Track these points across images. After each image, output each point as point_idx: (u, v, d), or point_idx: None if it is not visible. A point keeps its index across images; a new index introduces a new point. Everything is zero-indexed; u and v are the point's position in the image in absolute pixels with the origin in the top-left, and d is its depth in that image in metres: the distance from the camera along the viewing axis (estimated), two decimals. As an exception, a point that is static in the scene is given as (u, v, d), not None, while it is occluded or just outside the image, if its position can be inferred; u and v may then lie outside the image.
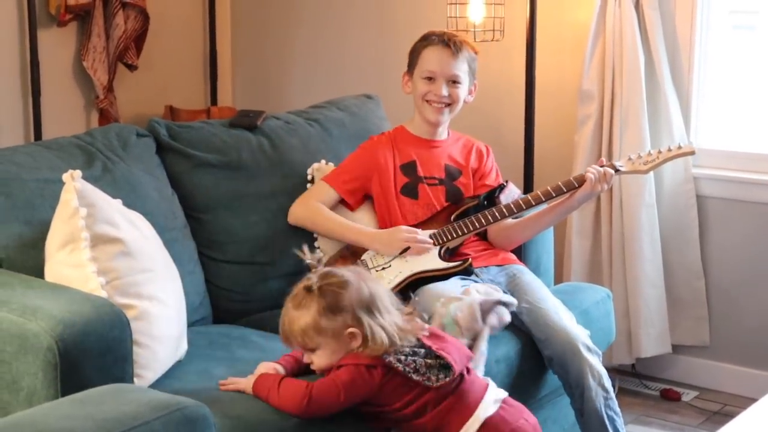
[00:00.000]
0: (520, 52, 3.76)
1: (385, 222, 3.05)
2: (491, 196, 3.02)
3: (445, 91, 3.04)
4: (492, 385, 2.46)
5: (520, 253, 3.17)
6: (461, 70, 3.06)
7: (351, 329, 2.31)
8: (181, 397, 1.84)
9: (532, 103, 3.74)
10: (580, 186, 2.98)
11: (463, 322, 2.60)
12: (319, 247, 3.05)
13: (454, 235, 2.95)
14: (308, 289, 2.34)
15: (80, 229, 2.36)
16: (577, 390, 2.75)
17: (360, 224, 3.06)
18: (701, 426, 3.56)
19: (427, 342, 2.37)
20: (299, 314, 2.34)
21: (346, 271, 2.38)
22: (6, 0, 3.98)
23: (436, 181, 3.08)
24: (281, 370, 2.41)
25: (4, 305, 2.18)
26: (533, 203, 2.98)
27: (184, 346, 2.57)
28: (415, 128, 3.14)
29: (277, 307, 3.06)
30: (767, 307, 3.68)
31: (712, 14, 3.70)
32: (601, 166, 2.99)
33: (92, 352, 2.11)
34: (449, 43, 3.04)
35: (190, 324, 2.77)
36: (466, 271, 2.89)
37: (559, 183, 2.99)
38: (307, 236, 3.11)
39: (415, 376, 2.31)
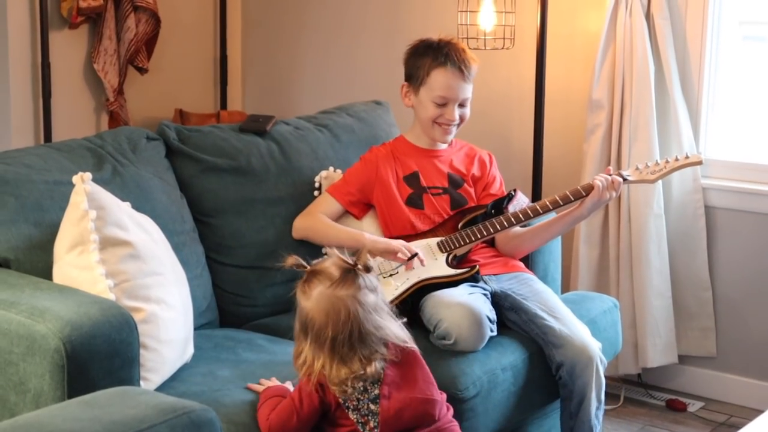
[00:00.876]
0: (530, 60, 3.76)
1: (389, 231, 3.06)
2: (499, 205, 3.01)
3: (456, 115, 3.04)
4: None
5: (528, 261, 3.17)
6: (470, 91, 3.06)
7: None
8: (188, 401, 1.84)
9: (542, 111, 3.74)
10: (587, 194, 2.98)
11: None
12: (326, 253, 3.05)
13: (461, 243, 2.95)
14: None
15: (89, 231, 2.36)
16: (577, 397, 2.78)
17: (363, 231, 3.06)
18: (707, 437, 3.56)
19: (385, 387, 2.26)
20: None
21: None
22: (18, 2, 3.99)
23: (440, 191, 3.07)
24: (291, 387, 2.38)
25: (13, 306, 2.19)
26: (541, 212, 2.98)
27: (190, 350, 2.57)
28: (415, 138, 3.14)
29: (283, 312, 3.08)
30: (774, 319, 3.68)
31: (723, 25, 3.70)
32: (609, 175, 2.99)
33: (99, 355, 2.11)
34: (462, 66, 3.00)
35: (197, 327, 2.78)
36: (474, 278, 2.90)
37: (567, 192, 2.99)
38: (314, 244, 3.11)
39: (352, 415, 2.25)
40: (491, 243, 3.11)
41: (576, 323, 2.86)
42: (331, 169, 3.22)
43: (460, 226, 3.00)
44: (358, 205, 3.09)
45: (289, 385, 2.40)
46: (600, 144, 3.73)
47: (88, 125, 4.28)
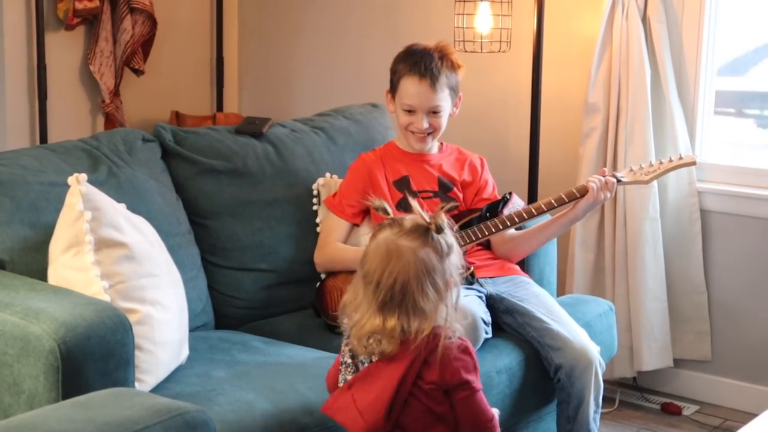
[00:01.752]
0: (527, 63, 3.76)
1: None
2: (494, 208, 3.01)
3: (425, 124, 3.01)
4: None
5: (524, 264, 3.17)
6: (441, 99, 3.00)
7: None
8: (183, 402, 1.84)
9: (538, 114, 3.74)
10: (582, 196, 2.98)
11: None
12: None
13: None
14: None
15: (84, 232, 2.36)
16: (575, 401, 2.78)
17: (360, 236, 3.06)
18: (702, 441, 3.57)
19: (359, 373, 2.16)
20: None
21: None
22: (14, 3, 3.99)
23: (431, 194, 3.07)
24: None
25: (7, 307, 2.19)
26: (535, 214, 2.98)
27: (185, 352, 2.57)
28: (404, 144, 3.13)
29: (279, 314, 3.09)
30: (769, 323, 3.68)
31: (719, 29, 3.70)
32: (603, 176, 3.00)
33: (94, 356, 2.11)
34: (427, 75, 2.95)
35: (192, 329, 2.77)
36: (468, 280, 2.89)
37: (561, 194, 2.99)
38: (310, 246, 3.12)
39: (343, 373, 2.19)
40: (487, 246, 3.11)
41: (574, 326, 2.86)
42: (328, 175, 3.22)
43: (455, 229, 3.00)
44: (360, 215, 3.10)
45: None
46: (596, 147, 3.73)
47: (83, 127, 4.28)
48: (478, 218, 3.01)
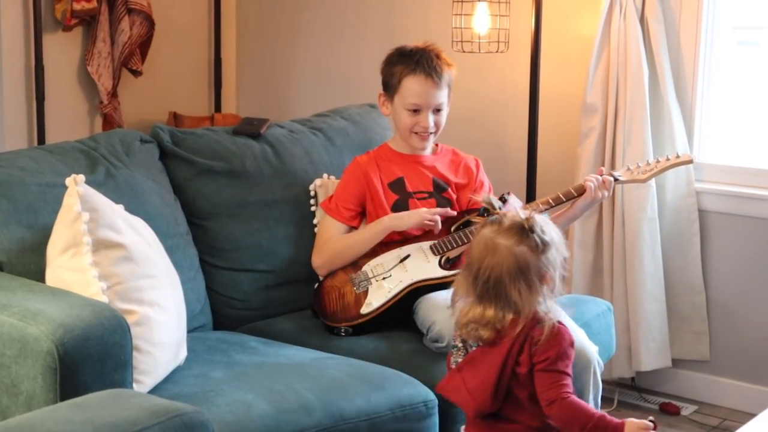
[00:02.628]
0: (525, 64, 3.76)
1: None
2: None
3: (431, 122, 3.03)
4: None
5: (522, 264, 3.17)
6: (444, 96, 3.04)
7: None
8: (181, 403, 1.84)
9: (536, 115, 3.74)
10: (580, 195, 2.98)
11: None
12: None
13: (454, 245, 2.95)
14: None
15: (82, 233, 2.36)
16: (575, 402, 2.77)
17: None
18: (700, 441, 3.57)
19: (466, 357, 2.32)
20: None
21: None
22: (12, 4, 3.99)
23: (426, 195, 3.07)
24: None
25: (5, 309, 2.19)
26: (533, 213, 2.98)
27: (183, 353, 2.57)
28: (398, 146, 3.13)
29: (277, 315, 3.08)
30: (766, 322, 3.68)
31: (717, 29, 3.70)
32: (600, 175, 3.00)
33: (92, 357, 2.11)
34: (432, 73, 2.99)
35: (190, 330, 2.78)
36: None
37: (559, 193, 2.99)
38: (308, 246, 3.12)
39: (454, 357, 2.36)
40: (485, 246, 3.11)
41: (573, 326, 2.85)
42: (325, 176, 3.22)
43: (452, 228, 3.00)
44: (357, 218, 3.10)
45: None
46: (594, 148, 3.73)
47: (81, 128, 4.27)
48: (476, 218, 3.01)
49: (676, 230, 3.74)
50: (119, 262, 2.39)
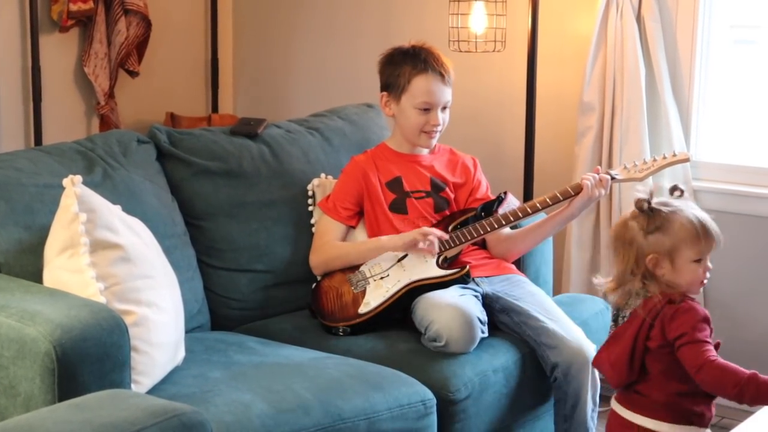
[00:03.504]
0: (521, 63, 3.77)
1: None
2: (489, 208, 3.02)
3: (440, 119, 3.05)
4: None
5: (520, 264, 3.18)
6: (450, 94, 3.08)
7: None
8: (179, 403, 1.84)
9: (533, 114, 3.75)
10: (577, 194, 2.99)
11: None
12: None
13: (452, 245, 2.96)
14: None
15: (80, 234, 2.36)
16: (571, 399, 2.78)
17: (363, 238, 3.08)
18: (698, 439, 3.55)
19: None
20: None
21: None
22: (8, 5, 3.99)
23: (423, 194, 3.08)
24: None
25: (3, 310, 2.19)
26: (530, 212, 2.99)
27: (181, 353, 2.57)
28: (396, 145, 3.14)
29: (275, 315, 3.08)
30: (765, 321, 3.68)
31: (713, 28, 3.71)
32: (597, 174, 3.00)
33: (90, 358, 2.11)
34: (441, 71, 3.03)
35: (188, 330, 2.77)
36: (464, 279, 2.90)
37: (556, 192, 3.00)
38: (306, 246, 3.12)
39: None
40: (483, 245, 3.11)
41: (571, 325, 2.86)
42: (323, 176, 3.22)
43: (450, 228, 3.01)
44: (355, 217, 3.10)
45: None
46: (591, 147, 3.73)
47: (78, 129, 4.27)
48: (474, 217, 3.01)
49: (673, 229, 3.74)
50: (117, 262, 2.39)
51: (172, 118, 4.40)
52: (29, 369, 2.09)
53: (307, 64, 4.60)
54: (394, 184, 3.08)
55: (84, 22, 4.20)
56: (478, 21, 3.66)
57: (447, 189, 3.10)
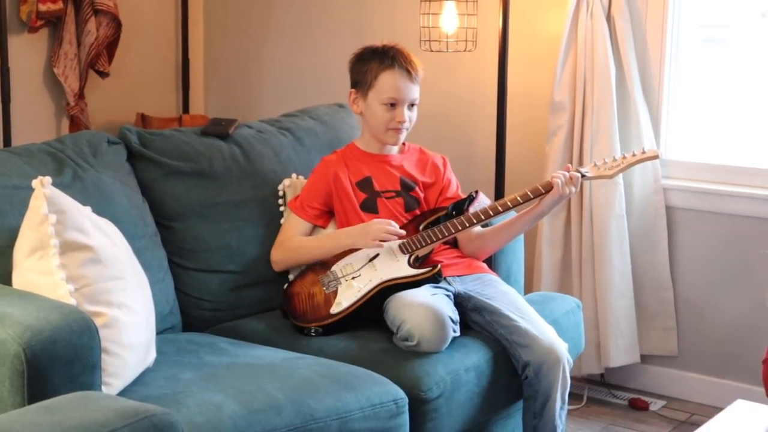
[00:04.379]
0: (493, 62, 3.78)
1: None
2: (460, 206, 3.03)
3: (406, 116, 3.05)
4: None
5: (491, 262, 3.18)
6: (417, 92, 3.09)
7: None
8: (150, 405, 1.83)
9: (504, 113, 3.76)
10: (547, 192, 3.00)
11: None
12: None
13: (423, 244, 2.96)
14: None
15: (49, 235, 2.34)
16: (541, 397, 2.80)
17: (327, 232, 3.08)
18: (669, 435, 3.59)
19: None
20: None
21: None
22: (-24, 6, 3.96)
23: (393, 194, 3.09)
24: None
25: (-28, 312, 2.17)
26: (501, 210, 2.99)
27: (152, 354, 2.56)
28: (365, 145, 3.15)
29: (247, 315, 3.08)
30: (734, 318, 3.71)
31: (683, 27, 3.74)
32: (567, 172, 3.02)
33: (60, 360, 2.09)
34: (408, 68, 3.03)
35: (160, 332, 2.76)
36: (435, 278, 2.90)
37: (527, 190, 3.01)
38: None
39: None
40: (454, 244, 3.12)
41: (542, 324, 2.87)
42: (294, 176, 3.22)
43: (421, 227, 3.01)
44: (322, 216, 3.11)
45: None
46: (562, 145, 3.75)
47: (48, 130, 4.25)
48: (445, 216, 3.02)
49: (643, 227, 3.77)
50: (87, 264, 2.38)
51: (143, 119, 4.38)
52: (-2, 372, 2.08)
53: (278, 65, 4.59)
54: (365, 184, 3.08)
55: (53, 22, 4.18)
56: (449, 21, 3.67)
57: (417, 188, 3.11)
